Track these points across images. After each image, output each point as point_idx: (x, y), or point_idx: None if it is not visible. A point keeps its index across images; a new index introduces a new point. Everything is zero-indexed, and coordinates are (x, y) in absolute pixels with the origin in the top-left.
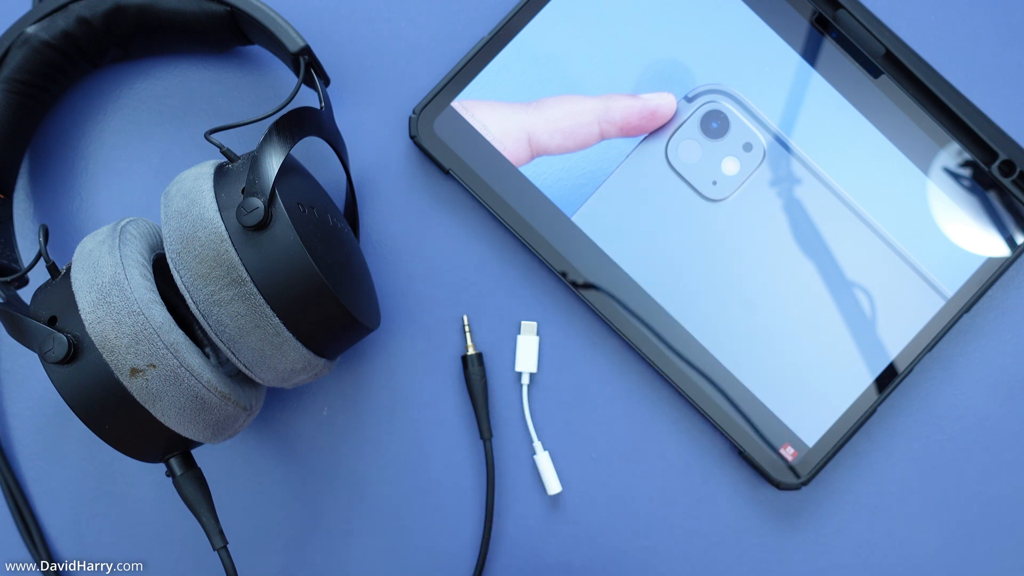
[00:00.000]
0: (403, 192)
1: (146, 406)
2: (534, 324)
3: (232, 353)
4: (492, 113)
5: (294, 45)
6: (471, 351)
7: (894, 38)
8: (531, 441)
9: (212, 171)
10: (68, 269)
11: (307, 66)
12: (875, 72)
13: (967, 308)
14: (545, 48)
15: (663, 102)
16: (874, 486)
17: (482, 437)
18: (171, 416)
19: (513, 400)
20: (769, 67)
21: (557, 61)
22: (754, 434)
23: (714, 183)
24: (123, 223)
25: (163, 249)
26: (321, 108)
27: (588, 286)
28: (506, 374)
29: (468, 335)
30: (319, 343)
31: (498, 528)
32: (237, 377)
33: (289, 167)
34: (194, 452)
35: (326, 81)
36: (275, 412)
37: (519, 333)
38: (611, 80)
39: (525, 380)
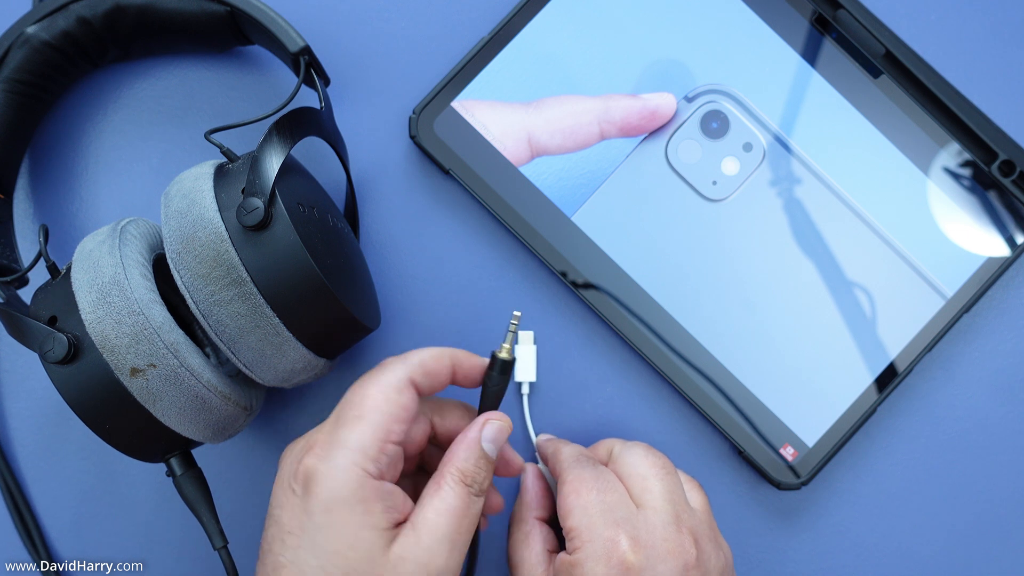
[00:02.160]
0: (403, 192)
1: (146, 406)
2: (530, 333)
3: (232, 353)
4: (492, 113)
5: (294, 45)
6: (505, 355)
7: (894, 38)
8: (532, 447)
9: (212, 171)
10: (68, 269)
11: (307, 66)
12: (875, 72)
13: (967, 308)
14: (545, 48)
15: (663, 102)
16: (874, 486)
17: None
18: (171, 416)
19: (512, 402)
20: (769, 67)
21: (557, 61)
22: (754, 434)
23: (714, 183)
24: (123, 223)
25: (163, 249)
26: (321, 108)
27: (588, 286)
28: None
29: (514, 334)
30: (319, 343)
31: (501, 527)
32: (237, 377)
33: (289, 167)
34: (194, 452)
35: (326, 81)
36: (275, 412)
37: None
38: (611, 80)
39: (525, 390)
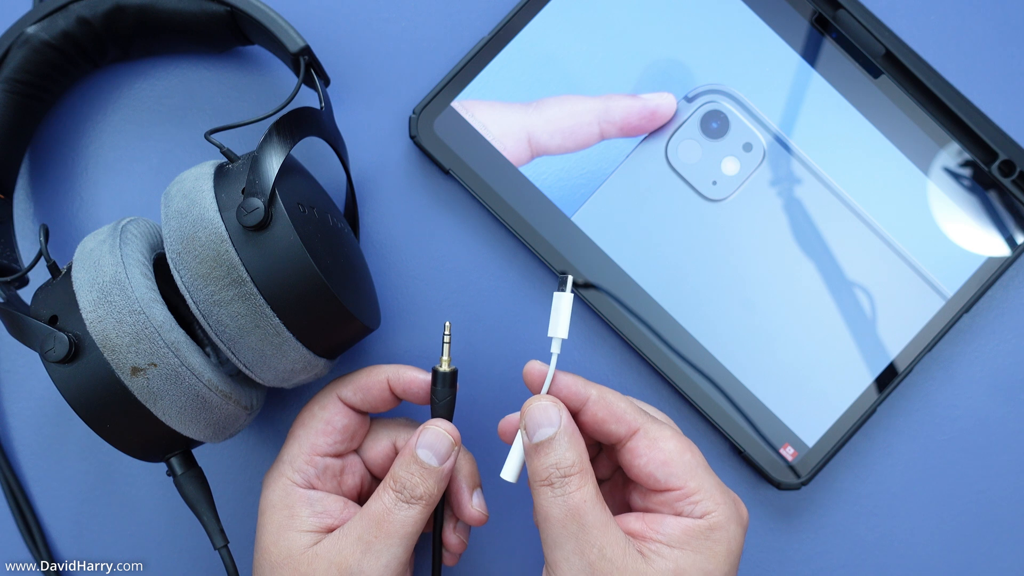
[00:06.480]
0: (403, 192)
1: (147, 405)
2: (570, 277)
3: (232, 353)
4: (492, 113)
5: (294, 45)
6: (444, 368)
7: (894, 38)
8: None
9: (212, 171)
10: (69, 268)
11: (307, 66)
12: (875, 72)
13: (967, 308)
14: (545, 48)
15: (663, 102)
16: (874, 486)
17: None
18: (172, 415)
19: (515, 400)
20: (769, 67)
21: (557, 61)
22: (754, 434)
23: (714, 183)
24: (124, 223)
25: (163, 249)
26: (321, 108)
27: (588, 286)
28: (506, 374)
29: (448, 345)
30: (319, 343)
31: (500, 525)
32: (238, 376)
33: (289, 167)
34: (195, 451)
35: (326, 81)
36: (275, 412)
37: (559, 290)
38: (611, 80)
39: (556, 348)
